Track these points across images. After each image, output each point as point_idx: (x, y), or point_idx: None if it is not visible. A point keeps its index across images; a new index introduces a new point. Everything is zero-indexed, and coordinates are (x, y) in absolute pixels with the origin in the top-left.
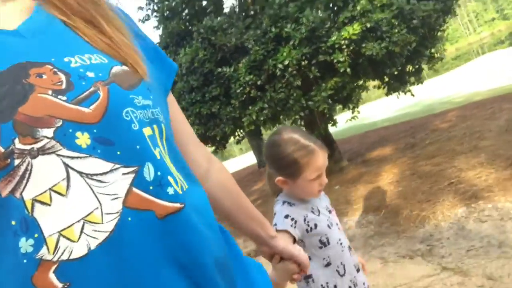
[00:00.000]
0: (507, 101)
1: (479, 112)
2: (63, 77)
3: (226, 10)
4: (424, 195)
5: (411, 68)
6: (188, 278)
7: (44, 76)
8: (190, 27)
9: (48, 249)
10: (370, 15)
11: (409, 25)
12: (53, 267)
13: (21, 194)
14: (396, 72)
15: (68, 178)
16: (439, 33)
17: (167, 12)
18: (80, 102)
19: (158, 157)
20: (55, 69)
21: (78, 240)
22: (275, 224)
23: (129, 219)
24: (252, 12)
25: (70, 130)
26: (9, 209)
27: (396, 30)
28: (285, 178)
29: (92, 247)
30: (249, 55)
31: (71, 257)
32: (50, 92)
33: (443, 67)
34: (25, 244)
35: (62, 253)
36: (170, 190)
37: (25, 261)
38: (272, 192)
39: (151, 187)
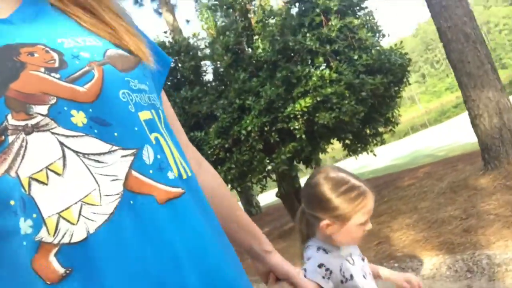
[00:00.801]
0: (464, 161)
1: (442, 170)
2: (55, 56)
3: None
4: None
5: (369, 132)
6: (190, 261)
7: (36, 55)
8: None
9: (48, 230)
10: (320, 90)
11: (358, 97)
12: (54, 250)
13: (16, 172)
14: (351, 137)
15: (64, 157)
16: (392, 102)
17: None
18: (74, 80)
19: (154, 142)
20: (47, 48)
21: (77, 223)
22: (305, 270)
23: (131, 202)
24: (223, 86)
25: (65, 108)
26: (6, 188)
27: (346, 102)
28: (332, 221)
29: (91, 231)
30: (218, 121)
31: (72, 241)
32: (42, 69)
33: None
34: (24, 225)
35: (63, 236)
36: (171, 175)
37: (24, 243)
38: (301, 238)
39: (150, 171)
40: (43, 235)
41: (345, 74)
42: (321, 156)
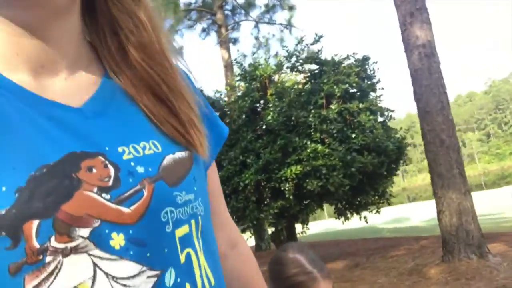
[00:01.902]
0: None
1: (414, 250)
2: (112, 172)
3: None
4: None
5: (359, 201)
6: None
7: (94, 170)
8: None
9: None
10: (311, 161)
11: (347, 171)
12: None
13: None
14: (340, 204)
15: (94, 277)
16: (385, 178)
17: None
18: (122, 201)
19: (183, 261)
20: (106, 162)
21: None
22: None
23: None
24: (233, 141)
25: (106, 231)
26: None
27: (335, 174)
28: None
29: None
30: (223, 170)
31: None
32: (95, 189)
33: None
34: None
35: None
36: None
37: None
38: None
39: None
40: None
41: (339, 150)
42: (315, 214)
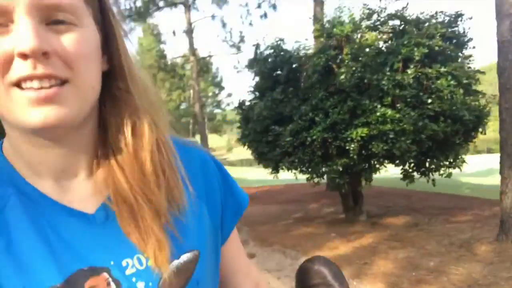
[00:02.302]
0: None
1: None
2: None
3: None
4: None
5: (428, 165)
6: None
7: None
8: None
9: None
10: (378, 126)
11: (416, 138)
12: None
13: None
14: (407, 166)
15: None
16: (456, 147)
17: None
18: None
19: None
20: (110, 279)
21: None
22: None
23: None
24: (306, 96)
25: None
26: None
27: (403, 139)
28: None
29: None
30: (293, 124)
31: None
32: None
33: None
34: None
35: None
36: None
37: None
38: None
39: None
40: None
41: (411, 116)
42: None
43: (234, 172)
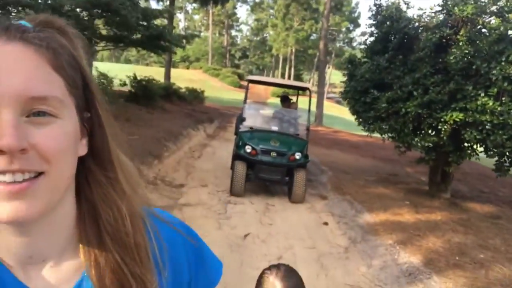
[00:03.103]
0: None
1: None
2: None
3: None
4: None
5: None
6: None
7: None
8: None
9: None
10: (475, 114)
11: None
12: None
13: None
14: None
15: None
16: None
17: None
18: None
19: None
20: None
21: None
22: None
23: None
24: (413, 67)
25: None
26: None
27: (500, 132)
28: None
29: None
30: (392, 92)
31: None
32: None
33: None
34: None
35: None
36: None
37: None
38: None
39: None
40: None
41: None
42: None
43: (345, 112)
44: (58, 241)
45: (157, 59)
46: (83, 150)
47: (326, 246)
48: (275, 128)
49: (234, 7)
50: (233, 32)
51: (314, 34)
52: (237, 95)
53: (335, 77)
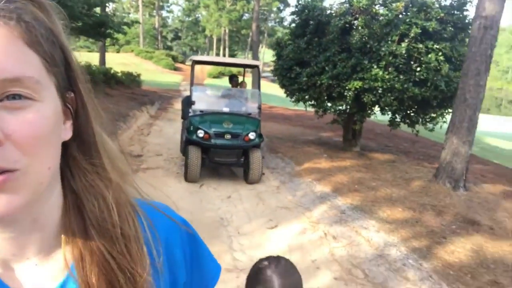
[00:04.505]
0: None
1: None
2: None
3: None
4: None
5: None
6: None
7: None
8: None
9: None
10: (370, 82)
11: (399, 96)
12: None
13: None
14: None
15: None
16: (432, 109)
17: None
18: None
19: None
20: None
21: None
22: None
23: None
24: (326, 47)
25: None
26: None
27: (389, 95)
28: None
29: None
30: (310, 67)
31: None
32: None
33: None
34: None
35: None
36: None
37: None
38: None
39: None
40: None
41: (400, 79)
42: None
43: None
44: (43, 236)
45: (83, 44)
46: (66, 134)
47: (263, 187)
48: (226, 109)
49: None
50: (164, 13)
51: (246, 14)
52: (173, 77)
53: (268, 56)
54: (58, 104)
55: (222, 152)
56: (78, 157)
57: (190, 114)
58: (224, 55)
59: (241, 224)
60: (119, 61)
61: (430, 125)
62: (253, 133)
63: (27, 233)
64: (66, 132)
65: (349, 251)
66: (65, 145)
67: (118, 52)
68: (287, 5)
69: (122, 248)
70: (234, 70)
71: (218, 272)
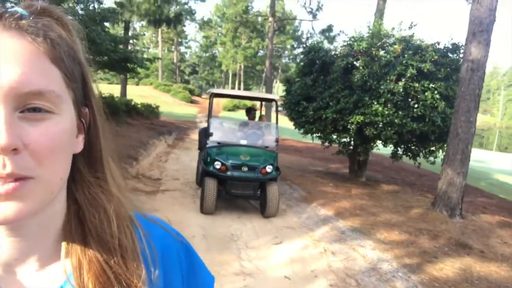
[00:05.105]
0: None
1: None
2: None
3: None
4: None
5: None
6: None
7: None
8: None
9: None
10: (371, 116)
11: (398, 130)
12: None
13: None
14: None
15: None
16: (432, 142)
17: None
18: None
19: None
20: None
21: None
22: None
23: None
24: (330, 84)
25: None
26: None
27: (389, 128)
28: None
29: None
30: (315, 102)
31: None
32: None
33: None
34: None
35: None
36: None
37: None
38: None
39: None
40: None
41: (399, 115)
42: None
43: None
44: (46, 242)
45: (103, 77)
46: (78, 147)
47: None
48: (243, 141)
49: (183, 25)
50: (182, 49)
51: (261, 51)
52: (190, 109)
53: (281, 91)
54: (74, 118)
55: (238, 185)
56: (83, 170)
57: (207, 146)
58: (239, 89)
59: (249, 240)
60: (138, 93)
61: (431, 158)
62: (270, 166)
63: (31, 238)
64: (78, 145)
65: (345, 264)
66: (72, 157)
67: (137, 84)
68: (300, 42)
69: (119, 259)
70: (249, 103)
71: (212, 282)
